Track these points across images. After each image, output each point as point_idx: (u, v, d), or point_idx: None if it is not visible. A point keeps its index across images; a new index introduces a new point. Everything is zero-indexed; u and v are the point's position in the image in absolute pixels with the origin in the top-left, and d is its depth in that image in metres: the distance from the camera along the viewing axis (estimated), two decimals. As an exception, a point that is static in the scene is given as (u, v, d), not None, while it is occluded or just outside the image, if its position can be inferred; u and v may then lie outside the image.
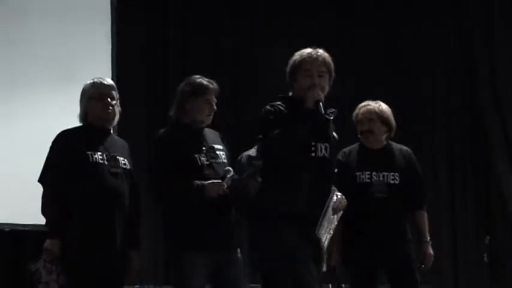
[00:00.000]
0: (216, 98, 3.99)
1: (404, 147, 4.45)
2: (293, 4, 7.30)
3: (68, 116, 4.00)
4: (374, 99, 4.50)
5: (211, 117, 3.99)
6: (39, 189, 3.74)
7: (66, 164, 3.69)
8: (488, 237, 6.18)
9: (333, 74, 3.64)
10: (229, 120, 6.81)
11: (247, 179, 3.89)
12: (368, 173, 4.28)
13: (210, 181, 3.77)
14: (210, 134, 4.03)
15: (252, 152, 4.45)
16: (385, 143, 4.41)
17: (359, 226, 4.19)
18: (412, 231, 4.38)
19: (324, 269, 3.75)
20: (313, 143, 3.53)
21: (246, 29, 7.24)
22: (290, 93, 3.68)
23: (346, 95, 6.04)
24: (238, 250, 3.96)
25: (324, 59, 3.60)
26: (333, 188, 3.72)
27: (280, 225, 3.48)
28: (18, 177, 5.54)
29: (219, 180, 3.80)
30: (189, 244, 3.78)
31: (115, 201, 3.73)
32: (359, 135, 4.42)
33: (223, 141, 4.09)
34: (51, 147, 3.79)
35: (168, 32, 7.01)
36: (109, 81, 3.97)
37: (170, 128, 3.99)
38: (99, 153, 3.75)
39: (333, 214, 3.69)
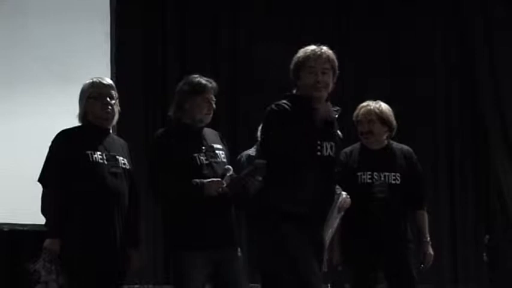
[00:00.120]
0: (214, 96, 3.98)
1: (405, 147, 4.44)
2: (292, 4, 7.30)
3: (68, 115, 4.00)
4: (374, 99, 4.49)
5: (211, 116, 3.99)
6: (39, 188, 3.74)
7: (66, 164, 3.68)
8: (487, 237, 6.18)
9: (337, 71, 3.62)
10: (228, 119, 6.82)
11: (246, 178, 3.88)
12: (369, 173, 4.28)
13: (209, 179, 3.77)
14: (209, 133, 4.02)
15: (252, 151, 4.45)
16: (386, 143, 4.40)
17: (360, 226, 4.19)
18: (412, 231, 4.38)
19: (325, 268, 3.74)
20: (319, 142, 3.51)
21: (245, 28, 7.23)
22: (294, 91, 3.64)
23: (345, 95, 6.04)
24: (239, 249, 3.95)
25: (327, 56, 3.58)
26: (338, 187, 3.72)
27: (283, 225, 3.46)
28: (18, 177, 5.54)
29: (219, 179, 3.79)
30: (189, 243, 3.77)
31: (115, 200, 3.73)
32: (360, 136, 4.41)
33: (223, 141, 4.09)
34: (50, 147, 3.79)
35: (167, 32, 7.01)
36: (108, 80, 3.97)
37: (169, 128, 3.99)
38: (98, 152, 3.75)
39: (338, 213, 3.69)
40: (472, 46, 7.50)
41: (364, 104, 4.41)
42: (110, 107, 3.83)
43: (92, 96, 3.83)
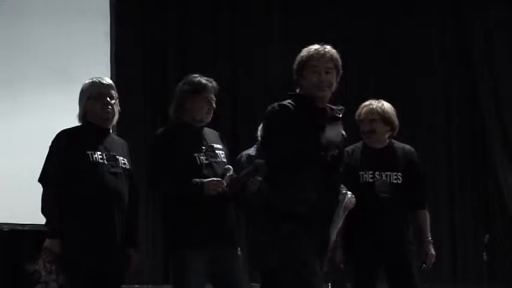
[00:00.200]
0: (215, 96, 3.98)
1: (407, 146, 4.44)
2: (293, 3, 7.31)
3: (67, 115, 3.99)
4: (373, 98, 4.49)
5: (211, 115, 3.99)
6: (39, 188, 3.74)
7: (66, 164, 3.68)
8: (487, 236, 6.17)
9: (341, 70, 3.59)
10: (228, 119, 6.82)
11: (246, 178, 3.88)
12: (371, 172, 4.27)
13: (209, 179, 3.77)
14: (209, 133, 4.02)
15: (252, 151, 4.45)
16: (388, 142, 4.40)
17: (361, 225, 4.18)
18: (413, 231, 4.37)
19: (325, 268, 3.74)
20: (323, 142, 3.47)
21: (245, 28, 7.23)
22: (298, 90, 3.61)
23: (348, 94, 6.04)
24: (238, 248, 3.96)
25: (331, 55, 3.55)
26: (342, 186, 3.71)
27: (283, 225, 3.45)
28: (18, 177, 5.54)
29: (218, 179, 3.80)
30: (189, 243, 3.77)
31: (115, 200, 3.72)
32: (362, 135, 4.41)
33: (222, 141, 4.09)
34: (50, 147, 3.78)
35: (167, 32, 7.02)
36: (108, 80, 3.96)
37: (169, 127, 3.99)
38: (98, 152, 3.74)
39: (343, 213, 3.70)
40: (472, 46, 7.50)
41: (367, 103, 4.41)
42: (109, 107, 3.82)
43: (91, 96, 3.82)
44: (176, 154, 3.82)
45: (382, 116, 4.33)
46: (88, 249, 3.61)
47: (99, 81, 3.88)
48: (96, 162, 3.71)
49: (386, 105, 4.37)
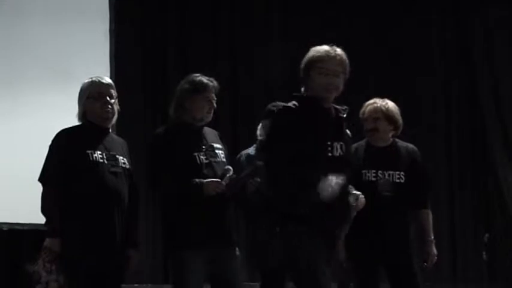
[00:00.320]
0: (216, 96, 3.98)
1: (411, 145, 4.44)
2: (293, 3, 7.30)
3: (67, 114, 3.99)
4: (373, 97, 4.49)
5: (211, 115, 3.99)
6: (38, 188, 3.73)
7: (66, 163, 3.68)
8: (487, 235, 6.17)
9: (348, 74, 3.57)
10: (228, 119, 6.82)
11: (245, 178, 3.88)
12: (374, 171, 4.27)
13: (208, 179, 3.77)
14: (209, 132, 4.02)
15: (251, 150, 4.44)
16: (391, 140, 4.40)
17: (363, 224, 4.17)
18: (415, 230, 4.37)
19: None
20: (329, 143, 3.47)
21: (245, 28, 7.23)
22: (302, 89, 3.59)
23: (350, 94, 6.03)
24: (237, 248, 3.95)
25: (341, 58, 3.52)
26: (351, 187, 3.70)
27: (285, 225, 3.44)
28: (17, 176, 5.54)
29: (218, 179, 3.79)
30: (188, 243, 3.77)
31: (115, 200, 3.72)
32: (365, 133, 4.41)
33: (222, 140, 4.08)
34: (50, 146, 3.78)
35: (167, 31, 7.02)
36: (107, 79, 3.95)
37: (169, 126, 3.98)
38: (98, 152, 3.74)
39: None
40: (472, 45, 7.49)
41: (371, 101, 4.41)
42: (109, 106, 3.82)
43: (91, 96, 3.82)
44: (176, 153, 3.82)
45: (386, 114, 4.33)
46: (88, 249, 3.61)
47: (99, 81, 3.87)
48: (96, 162, 3.71)
49: (391, 104, 4.37)
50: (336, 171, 3.46)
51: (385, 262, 4.27)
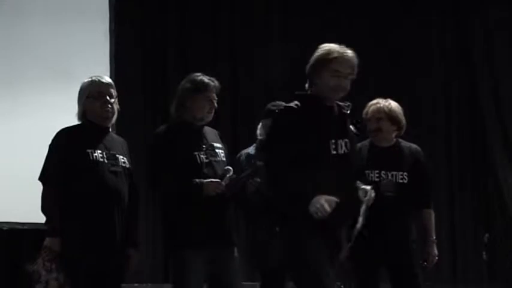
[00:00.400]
0: (217, 96, 3.98)
1: (414, 146, 4.43)
2: (292, 3, 7.31)
3: (67, 114, 3.99)
4: (373, 98, 4.49)
5: (212, 114, 3.99)
6: (38, 187, 3.73)
7: (66, 162, 3.67)
8: (487, 235, 6.17)
9: (355, 75, 3.53)
10: (228, 119, 6.82)
11: (245, 179, 3.88)
12: (377, 171, 4.27)
13: (208, 180, 3.77)
14: (209, 132, 4.02)
15: (251, 150, 4.45)
16: (394, 141, 4.40)
17: (365, 224, 4.17)
18: (417, 230, 4.37)
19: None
20: (333, 141, 3.45)
21: (245, 28, 7.24)
22: (307, 85, 3.55)
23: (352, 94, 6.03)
24: (235, 249, 3.96)
25: (354, 61, 3.49)
26: (359, 182, 3.69)
27: (288, 225, 3.43)
28: (17, 176, 5.54)
29: (218, 180, 3.79)
30: (189, 243, 3.77)
31: (115, 199, 3.72)
32: (368, 134, 4.40)
33: (222, 140, 4.09)
34: (50, 146, 3.77)
35: (167, 31, 7.02)
36: (107, 79, 3.94)
37: (170, 125, 3.98)
38: (99, 151, 3.74)
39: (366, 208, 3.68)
40: (472, 46, 7.50)
41: (374, 101, 4.40)
42: (109, 106, 3.81)
43: (91, 95, 3.81)
44: (176, 152, 3.82)
45: (389, 115, 4.33)
46: (88, 248, 3.61)
47: (99, 80, 3.87)
48: (96, 161, 3.70)
49: (394, 104, 4.37)
50: (340, 169, 3.43)
51: (386, 262, 4.27)
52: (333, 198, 3.32)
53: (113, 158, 3.77)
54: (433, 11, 7.56)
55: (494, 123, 7.34)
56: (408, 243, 4.28)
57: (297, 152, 3.37)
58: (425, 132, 7.30)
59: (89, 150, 3.71)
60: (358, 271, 4.28)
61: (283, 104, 3.58)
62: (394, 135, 4.38)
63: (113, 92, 3.86)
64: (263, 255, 4.28)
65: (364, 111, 4.40)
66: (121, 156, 3.82)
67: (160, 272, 6.57)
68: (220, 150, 3.97)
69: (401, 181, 4.27)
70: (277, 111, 3.47)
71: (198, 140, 3.91)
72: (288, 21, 7.29)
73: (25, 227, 5.69)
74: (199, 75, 3.99)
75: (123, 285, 3.87)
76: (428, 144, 7.26)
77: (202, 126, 3.98)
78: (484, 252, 6.14)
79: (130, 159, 3.91)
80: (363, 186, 3.78)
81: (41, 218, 3.72)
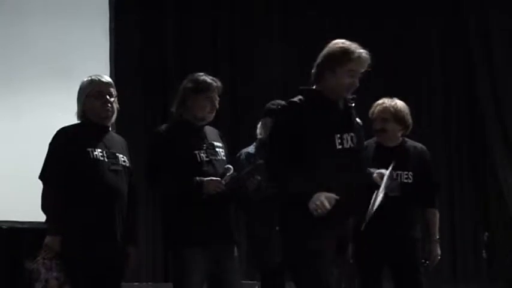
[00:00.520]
0: (218, 96, 3.98)
1: (419, 145, 4.43)
2: (292, 4, 7.31)
3: (67, 113, 3.99)
4: (372, 98, 4.49)
5: (213, 114, 3.99)
6: (39, 186, 3.73)
7: (67, 161, 3.67)
8: (486, 234, 6.17)
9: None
10: (229, 119, 6.82)
11: (246, 177, 3.88)
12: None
13: (208, 178, 3.77)
14: (210, 131, 4.03)
15: (251, 149, 4.45)
16: (400, 140, 4.40)
17: (370, 223, 4.16)
18: (421, 229, 4.37)
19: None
20: (338, 135, 3.44)
21: (245, 28, 7.24)
22: (313, 78, 3.53)
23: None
24: (235, 248, 3.96)
25: (369, 61, 3.51)
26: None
27: (294, 226, 3.42)
28: (17, 175, 5.55)
29: (218, 178, 3.80)
30: (189, 240, 3.78)
31: (115, 198, 3.72)
32: (374, 133, 4.40)
33: (223, 139, 4.09)
34: (50, 144, 3.77)
35: (166, 30, 7.02)
36: (107, 78, 3.94)
37: (171, 124, 3.99)
38: (99, 150, 3.74)
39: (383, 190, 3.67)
40: (472, 46, 7.49)
41: (380, 101, 4.40)
42: (109, 105, 3.81)
43: (91, 94, 3.81)
44: (176, 151, 3.82)
45: (395, 115, 4.32)
46: (88, 247, 3.61)
47: (99, 79, 3.87)
48: (97, 160, 3.70)
49: (400, 104, 4.37)
50: (347, 163, 3.42)
51: (390, 261, 4.27)
52: (333, 196, 3.32)
53: (113, 157, 3.77)
54: (433, 11, 7.56)
55: (494, 123, 7.33)
56: (412, 242, 4.28)
57: (300, 149, 3.36)
58: (425, 132, 7.30)
59: (89, 149, 3.71)
60: (361, 270, 4.28)
61: (283, 102, 3.57)
62: (400, 134, 4.39)
63: (113, 91, 3.86)
64: (263, 255, 4.28)
65: (370, 111, 4.40)
66: (121, 155, 3.82)
67: (160, 271, 6.57)
68: (221, 149, 3.97)
69: (406, 181, 4.27)
70: (278, 108, 3.45)
71: (198, 138, 3.91)
72: (288, 21, 7.29)
73: (25, 226, 5.69)
74: (202, 75, 3.99)
75: (123, 284, 3.87)
76: (428, 145, 7.25)
77: (203, 125, 3.98)
78: (483, 252, 6.14)
79: (130, 159, 3.91)
80: (379, 170, 3.76)
81: (41, 217, 3.72)
